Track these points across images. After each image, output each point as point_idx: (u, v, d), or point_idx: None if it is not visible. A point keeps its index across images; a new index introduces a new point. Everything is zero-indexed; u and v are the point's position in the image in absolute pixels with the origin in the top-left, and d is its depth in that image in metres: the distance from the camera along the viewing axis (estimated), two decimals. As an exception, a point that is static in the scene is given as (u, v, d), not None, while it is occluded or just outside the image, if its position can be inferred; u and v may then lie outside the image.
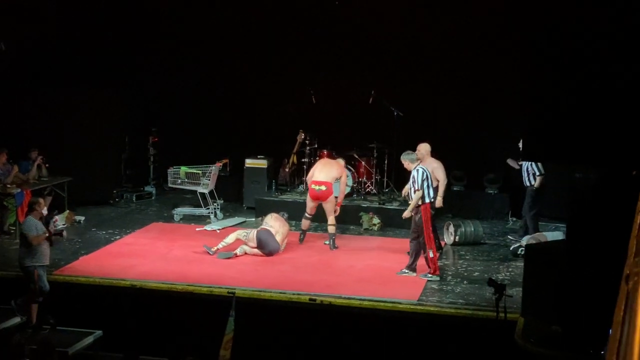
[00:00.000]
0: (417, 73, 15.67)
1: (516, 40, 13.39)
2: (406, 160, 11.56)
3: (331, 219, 13.00)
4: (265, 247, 12.36)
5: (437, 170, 12.28)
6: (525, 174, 13.24)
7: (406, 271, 11.53)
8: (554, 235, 12.77)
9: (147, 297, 11.00)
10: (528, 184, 13.24)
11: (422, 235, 11.24)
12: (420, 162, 11.63)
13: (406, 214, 11.46)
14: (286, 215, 13.11)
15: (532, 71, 9.99)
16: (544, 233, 12.94)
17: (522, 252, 12.81)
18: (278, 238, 12.46)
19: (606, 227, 8.17)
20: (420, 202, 11.22)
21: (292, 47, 16.21)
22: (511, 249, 12.88)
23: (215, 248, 12.35)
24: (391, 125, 14.91)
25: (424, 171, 11.30)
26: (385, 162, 15.23)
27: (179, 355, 9.79)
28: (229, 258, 12.20)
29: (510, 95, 13.99)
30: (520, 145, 13.08)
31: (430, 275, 11.33)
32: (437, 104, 15.39)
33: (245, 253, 12.37)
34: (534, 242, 12.71)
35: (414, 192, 11.26)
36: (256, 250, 12.38)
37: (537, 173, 13.10)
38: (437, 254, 11.66)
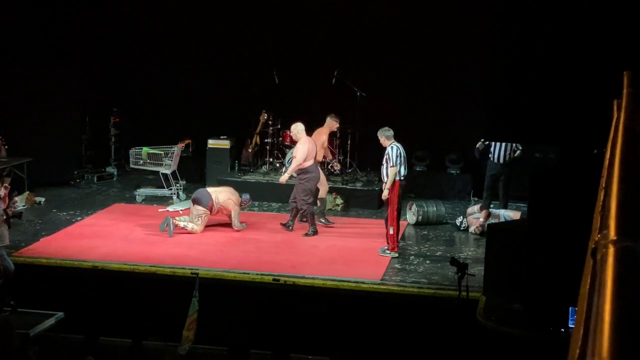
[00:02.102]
0: (380, 53, 15.68)
1: (477, 20, 13.46)
2: (382, 137, 11.62)
3: (322, 192, 13.23)
4: (200, 202, 12.44)
5: (300, 148, 12.46)
6: (502, 151, 13.08)
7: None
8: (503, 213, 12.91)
9: (110, 278, 10.95)
10: (507, 159, 13.17)
11: (387, 211, 11.36)
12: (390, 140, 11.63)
13: (385, 193, 11.44)
14: (247, 196, 13.05)
15: (493, 51, 10.07)
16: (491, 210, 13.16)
17: (465, 226, 13.00)
18: (215, 195, 12.54)
19: (566, 206, 8.29)
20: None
21: (254, 26, 16.12)
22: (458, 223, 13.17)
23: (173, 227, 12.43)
24: (354, 106, 14.92)
25: (398, 148, 11.37)
26: (348, 142, 15.24)
27: (142, 336, 9.78)
28: (175, 227, 12.31)
29: (472, 76, 14.07)
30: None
31: (388, 252, 11.44)
32: (399, 84, 15.43)
33: (195, 227, 12.41)
34: (472, 216, 12.87)
35: (388, 168, 11.30)
36: (200, 208, 12.42)
37: (521, 147, 13.17)
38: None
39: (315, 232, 12.52)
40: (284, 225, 12.80)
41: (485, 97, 10.50)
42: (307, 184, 12.47)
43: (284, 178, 12.70)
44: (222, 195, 12.63)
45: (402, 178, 11.40)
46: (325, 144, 13.43)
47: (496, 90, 9.66)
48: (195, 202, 12.58)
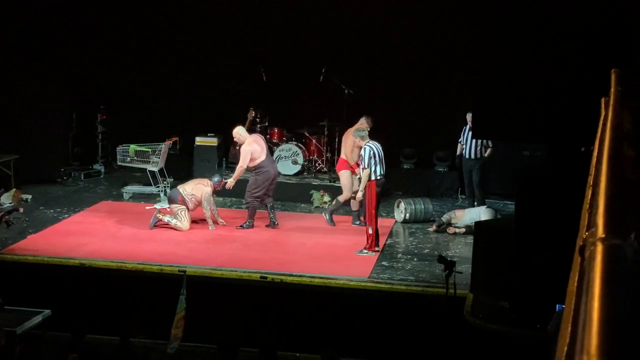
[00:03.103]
0: (368, 51, 15.68)
1: (466, 17, 13.49)
2: (357, 137, 11.71)
3: (341, 196, 12.99)
4: (172, 200, 12.60)
5: (244, 151, 12.57)
6: (473, 147, 13.44)
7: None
8: (473, 212, 12.81)
9: (97, 276, 10.92)
10: (478, 155, 13.47)
11: (365, 211, 11.41)
12: (365, 140, 11.67)
13: (359, 195, 11.54)
14: (217, 177, 12.99)
15: (480, 49, 10.11)
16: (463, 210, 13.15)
17: (444, 227, 12.98)
18: (182, 188, 12.69)
19: (554, 204, 8.31)
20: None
21: (242, 23, 16.10)
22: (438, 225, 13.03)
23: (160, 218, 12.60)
24: (342, 103, 14.93)
25: (371, 149, 11.41)
26: (336, 140, 15.24)
27: (130, 334, 9.75)
28: (158, 222, 12.52)
29: (460, 73, 14.09)
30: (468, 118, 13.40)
31: (365, 251, 11.46)
32: (387, 81, 15.44)
33: (179, 223, 12.45)
34: (449, 218, 12.86)
35: (362, 170, 11.38)
36: (175, 206, 12.52)
37: (491, 145, 13.43)
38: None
39: (250, 226, 12.65)
40: (268, 226, 12.81)
41: (473, 94, 10.55)
42: (259, 177, 12.61)
43: (230, 183, 12.81)
44: (189, 185, 12.76)
45: (378, 177, 11.45)
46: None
47: (484, 88, 9.68)
48: (169, 201, 12.74)
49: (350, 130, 12.99)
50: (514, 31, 9.28)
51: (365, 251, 11.46)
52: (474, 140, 13.43)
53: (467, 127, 13.56)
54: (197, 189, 12.64)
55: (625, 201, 2.01)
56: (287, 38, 15.91)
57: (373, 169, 11.34)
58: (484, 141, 13.47)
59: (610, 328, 1.30)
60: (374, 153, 11.39)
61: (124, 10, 16.39)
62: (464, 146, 13.64)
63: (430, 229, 12.93)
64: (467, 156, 13.62)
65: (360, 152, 11.49)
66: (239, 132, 12.85)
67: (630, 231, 1.81)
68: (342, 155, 13.13)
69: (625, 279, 1.51)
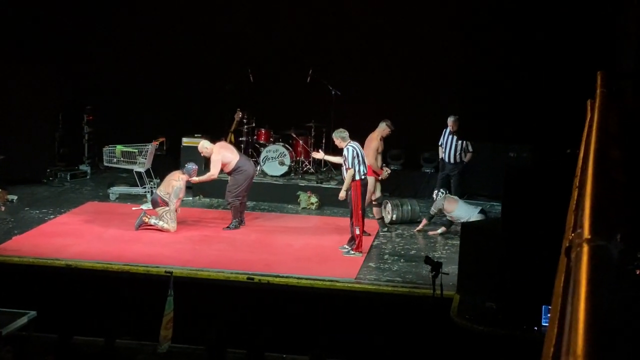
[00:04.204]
0: (355, 52, 15.70)
1: (453, 19, 13.52)
2: (338, 138, 11.73)
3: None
4: (154, 203, 12.65)
5: (214, 160, 12.66)
6: (453, 151, 13.56)
7: (346, 247, 11.63)
8: (465, 212, 12.72)
9: (83, 277, 10.87)
10: (458, 160, 13.63)
11: (351, 212, 11.40)
12: (347, 142, 11.67)
13: (342, 194, 11.57)
14: (191, 165, 12.94)
15: (467, 50, 10.13)
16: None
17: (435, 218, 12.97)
18: (158, 190, 12.81)
19: (540, 205, 8.34)
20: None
21: (229, 24, 16.08)
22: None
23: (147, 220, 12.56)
24: (329, 104, 14.94)
25: (354, 149, 11.44)
26: (323, 141, 15.26)
27: (116, 335, 9.73)
28: (143, 223, 12.47)
29: (448, 75, 14.12)
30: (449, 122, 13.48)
31: (352, 252, 11.46)
32: (374, 83, 15.46)
33: (165, 224, 12.44)
34: (438, 210, 12.82)
35: (346, 170, 11.39)
36: (158, 208, 12.53)
37: (471, 150, 13.58)
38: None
39: (236, 226, 12.70)
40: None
41: (460, 96, 10.57)
42: (239, 176, 12.68)
43: (194, 181, 12.89)
44: (163, 185, 12.83)
45: (362, 177, 11.46)
46: (380, 149, 12.78)
47: (471, 90, 9.71)
48: (153, 206, 12.75)
49: (373, 136, 12.81)
50: (501, 33, 9.31)
51: (352, 252, 11.47)
52: (453, 145, 13.62)
53: (447, 130, 13.71)
54: (170, 184, 12.62)
55: (611, 203, 2.02)
56: (274, 39, 15.91)
57: (357, 168, 11.36)
58: (464, 145, 13.57)
59: (595, 329, 1.30)
60: (357, 153, 11.42)
61: (111, 11, 16.34)
62: (444, 149, 13.77)
63: (418, 229, 12.92)
64: (446, 160, 13.79)
65: (344, 153, 11.49)
66: (204, 145, 12.89)
67: (616, 232, 1.82)
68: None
69: (611, 280, 1.51)
